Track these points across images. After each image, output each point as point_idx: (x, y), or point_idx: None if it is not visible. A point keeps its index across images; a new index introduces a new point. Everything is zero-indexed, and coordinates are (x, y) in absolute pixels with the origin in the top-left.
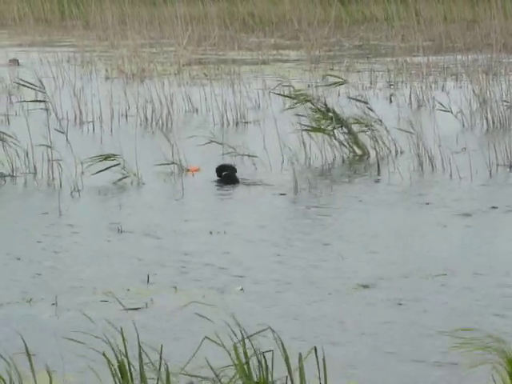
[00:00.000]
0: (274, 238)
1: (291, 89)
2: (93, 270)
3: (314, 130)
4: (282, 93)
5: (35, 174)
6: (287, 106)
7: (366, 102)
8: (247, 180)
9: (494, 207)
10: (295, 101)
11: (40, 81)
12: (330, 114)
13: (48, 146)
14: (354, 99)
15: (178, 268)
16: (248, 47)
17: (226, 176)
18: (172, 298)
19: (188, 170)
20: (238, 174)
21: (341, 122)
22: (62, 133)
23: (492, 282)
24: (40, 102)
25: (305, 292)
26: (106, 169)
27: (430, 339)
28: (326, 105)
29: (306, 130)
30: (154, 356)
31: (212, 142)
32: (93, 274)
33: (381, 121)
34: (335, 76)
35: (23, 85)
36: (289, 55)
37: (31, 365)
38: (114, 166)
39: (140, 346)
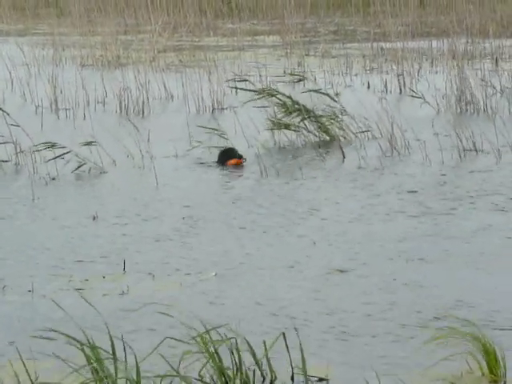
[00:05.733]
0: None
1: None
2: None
3: (282, 127)
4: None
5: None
6: (248, 99)
7: (327, 94)
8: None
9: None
10: (259, 95)
11: None
12: (297, 106)
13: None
14: (316, 92)
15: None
16: (223, 33)
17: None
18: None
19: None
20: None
21: (308, 113)
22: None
23: None
24: None
25: None
26: (57, 156)
27: None
28: (290, 98)
29: (274, 128)
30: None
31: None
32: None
33: (345, 110)
34: (295, 74)
35: None
36: (264, 41)
37: None
38: (65, 153)
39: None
